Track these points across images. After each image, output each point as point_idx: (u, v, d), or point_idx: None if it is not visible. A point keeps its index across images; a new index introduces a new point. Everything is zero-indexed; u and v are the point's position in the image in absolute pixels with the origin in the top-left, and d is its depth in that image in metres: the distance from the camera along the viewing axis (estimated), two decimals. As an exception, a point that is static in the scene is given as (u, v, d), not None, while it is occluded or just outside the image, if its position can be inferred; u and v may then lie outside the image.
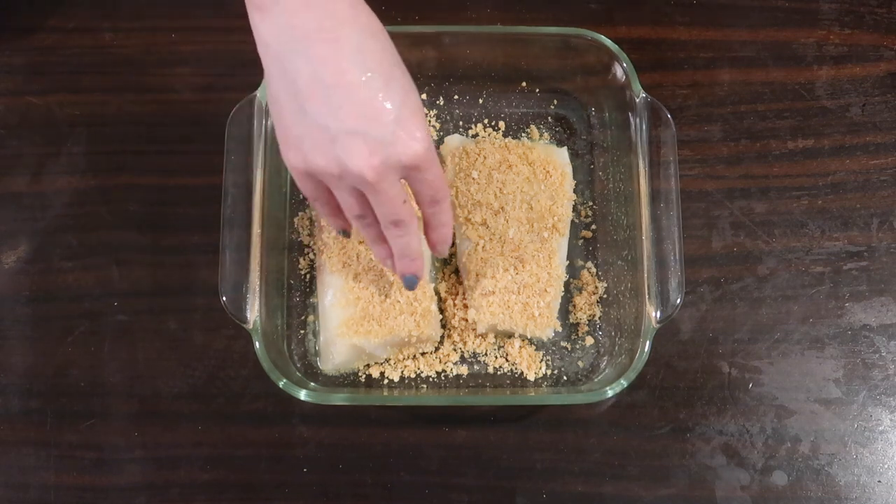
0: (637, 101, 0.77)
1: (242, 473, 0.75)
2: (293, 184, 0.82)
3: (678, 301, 0.71)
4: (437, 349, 0.77)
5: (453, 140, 0.82)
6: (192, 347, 0.78)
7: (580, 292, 0.79)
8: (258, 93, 0.76)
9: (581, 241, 0.81)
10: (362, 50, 0.57)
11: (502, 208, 0.78)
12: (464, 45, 0.82)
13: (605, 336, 0.78)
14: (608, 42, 0.79)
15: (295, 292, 0.79)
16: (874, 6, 0.90)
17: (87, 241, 0.81)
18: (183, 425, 0.76)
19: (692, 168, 0.84)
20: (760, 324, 0.79)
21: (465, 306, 0.77)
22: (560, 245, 0.78)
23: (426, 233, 0.67)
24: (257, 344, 0.70)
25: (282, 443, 0.76)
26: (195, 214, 0.81)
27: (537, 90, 0.85)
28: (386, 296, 0.74)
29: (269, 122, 0.76)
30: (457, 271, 0.79)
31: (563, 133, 0.85)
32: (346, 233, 0.69)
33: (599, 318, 0.79)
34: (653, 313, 0.71)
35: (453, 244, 0.79)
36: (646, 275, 0.72)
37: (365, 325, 0.73)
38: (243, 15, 0.91)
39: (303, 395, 0.70)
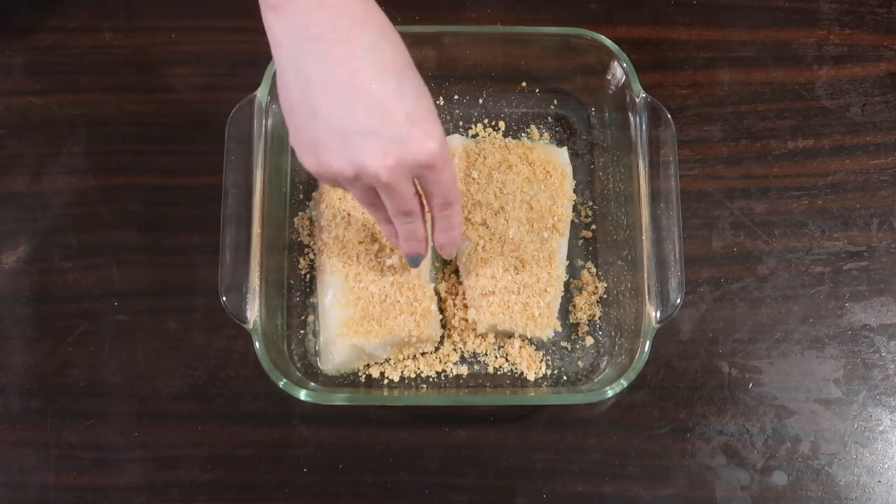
0: (637, 101, 0.77)
1: (242, 473, 0.75)
2: (293, 184, 0.82)
3: (678, 301, 0.71)
4: (437, 349, 0.77)
5: (453, 140, 0.82)
6: (192, 347, 0.78)
7: (580, 292, 0.79)
8: (258, 93, 0.76)
9: (581, 241, 0.81)
10: (375, 50, 0.58)
11: (502, 208, 0.78)
12: (464, 45, 0.82)
13: (605, 336, 0.78)
14: (608, 42, 0.79)
15: (295, 292, 0.79)
16: (874, 6, 0.90)
17: (87, 241, 0.81)
18: (183, 425, 0.76)
19: (692, 168, 0.84)
20: (760, 324, 0.79)
21: (465, 306, 0.77)
22: (560, 245, 0.78)
23: (434, 234, 0.67)
24: (257, 344, 0.70)
25: (282, 443, 0.76)
26: (195, 214, 0.81)
27: (537, 90, 0.85)
28: (386, 296, 0.74)
29: (268, 122, 0.76)
30: (457, 271, 0.79)
31: (563, 133, 0.85)
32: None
33: (599, 318, 0.79)
34: (653, 313, 0.71)
35: (454, 244, 0.80)
36: (646, 275, 0.72)
37: (365, 325, 0.73)
38: (243, 15, 0.91)
39: (303, 395, 0.70)
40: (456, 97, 0.85)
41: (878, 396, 0.78)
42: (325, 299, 0.76)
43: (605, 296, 0.79)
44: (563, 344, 0.78)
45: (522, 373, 0.77)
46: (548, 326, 0.75)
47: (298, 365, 0.76)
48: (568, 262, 0.79)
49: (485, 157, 0.80)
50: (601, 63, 0.81)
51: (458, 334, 0.77)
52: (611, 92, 0.82)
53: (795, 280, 0.81)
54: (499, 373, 0.77)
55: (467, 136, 0.84)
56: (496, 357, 0.77)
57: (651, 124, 0.76)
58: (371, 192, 0.62)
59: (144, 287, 0.79)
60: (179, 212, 0.82)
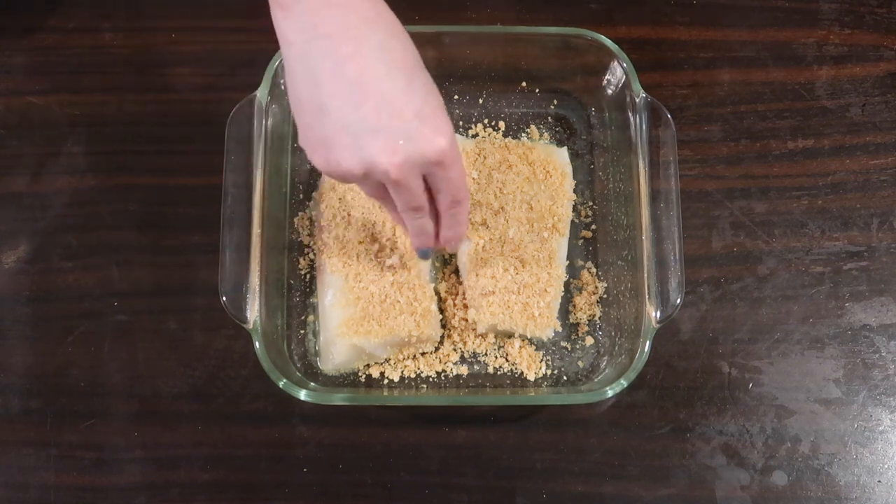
0: (637, 101, 0.77)
1: (242, 473, 0.75)
2: (293, 184, 0.82)
3: (678, 301, 0.71)
4: (437, 349, 0.77)
5: (453, 140, 0.82)
6: (192, 347, 0.78)
7: (580, 292, 0.79)
8: (258, 93, 0.76)
9: (581, 241, 0.81)
10: (384, 48, 0.58)
11: (502, 208, 0.78)
12: (464, 45, 0.82)
13: (605, 336, 0.78)
14: (608, 42, 0.79)
15: (295, 292, 0.79)
16: (874, 6, 0.90)
17: (87, 241, 0.81)
18: (183, 425, 0.76)
19: (692, 168, 0.84)
20: (760, 324, 0.79)
21: (465, 306, 0.77)
22: (560, 245, 0.78)
23: (441, 230, 0.67)
24: (257, 344, 0.70)
25: (282, 443, 0.76)
26: (195, 214, 0.81)
27: (537, 90, 0.85)
28: (386, 296, 0.74)
29: (268, 122, 0.76)
30: (457, 271, 0.79)
31: (563, 133, 0.85)
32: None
33: (599, 318, 0.79)
34: (653, 313, 0.71)
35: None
36: (646, 275, 0.72)
37: (365, 325, 0.73)
38: (243, 15, 0.91)
39: (303, 395, 0.70)
40: (456, 97, 0.85)
41: (878, 396, 0.78)
42: (325, 299, 0.76)
43: (605, 296, 0.79)
44: (563, 344, 0.78)
45: (522, 373, 0.77)
46: (548, 326, 0.75)
47: (298, 365, 0.76)
48: (568, 262, 0.79)
49: (485, 157, 0.80)
50: (601, 63, 0.81)
51: (458, 334, 0.77)
52: (611, 92, 0.82)
53: (795, 280, 0.81)
54: (499, 373, 0.77)
55: (467, 136, 0.84)
56: (496, 357, 0.77)
57: (651, 124, 0.76)
58: (381, 188, 0.62)
59: (144, 287, 0.79)
60: (179, 212, 0.82)
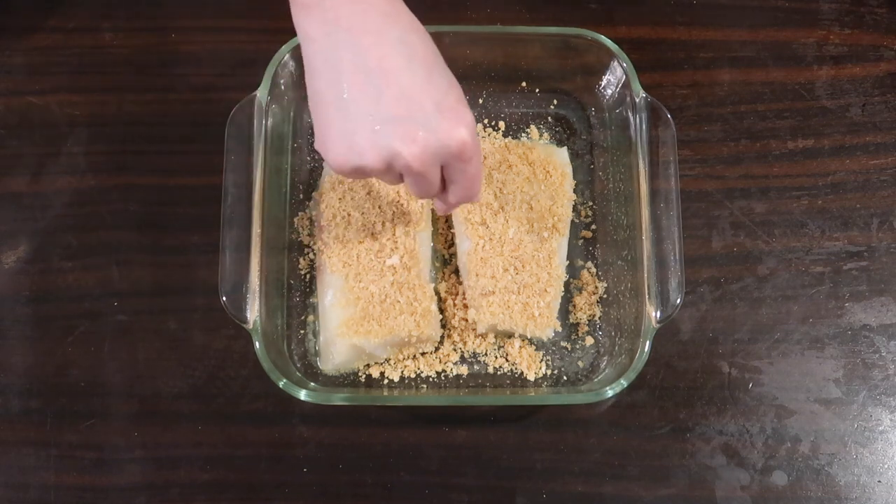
0: (637, 101, 0.77)
1: (242, 473, 0.75)
2: (293, 184, 0.82)
3: (678, 301, 0.71)
4: (437, 349, 0.77)
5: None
6: (192, 347, 0.78)
7: (580, 292, 0.79)
8: (258, 93, 0.76)
9: (581, 241, 0.81)
10: (404, 42, 0.59)
11: (502, 208, 0.78)
12: (464, 45, 0.82)
13: (605, 336, 0.78)
14: (608, 42, 0.79)
15: (295, 292, 0.79)
16: (874, 6, 0.90)
17: (87, 241, 0.81)
18: (183, 425, 0.76)
19: (692, 168, 0.84)
20: (760, 324, 0.79)
21: (465, 306, 0.77)
22: (560, 245, 0.78)
23: (438, 202, 0.67)
24: (257, 344, 0.70)
25: (282, 443, 0.76)
26: (195, 214, 0.81)
27: (537, 90, 0.85)
28: (386, 296, 0.74)
29: (268, 122, 0.76)
30: (457, 271, 0.79)
31: (563, 133, 0.85)
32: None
33: (599, 318, 0.79)
34: (653, 313, 0.71)
35: (453, 244, 0.80)
36: (646, 275, 0.72)
37: (365, 325, 0.73)
38: (243, 15, 0.91)
39: (303, 395, 0.70)
40: (456, 97, 0.85)
41: (878, 396, 0.78)
42: (325, 299, 0.76)
43: (605, 296, 0.79)
44: (563, 344, 0.78)
45: (522, 373, 0.77)
46: (548, 326, 0.75)
47: (298, 365, 0.76)
48: (568, 262, 0.79)
49: (485, 158, 0.80)
50: (601, 63, 0.81)
51: (458, 334, 0.77)
52: (611, 92, 0.82)
53: (795, 280, 0.81)
54: (499, 373, 0.77)
55: (467, 136, 0.84)
56: (496, 357, 0.77)
57: (651, 124, 0.76)
58: (397, 177, 0.62)
59: (144, 287, 0.79)
60: (179, 212, 0.82)
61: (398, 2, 0.61)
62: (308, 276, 0.80)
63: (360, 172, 0.61)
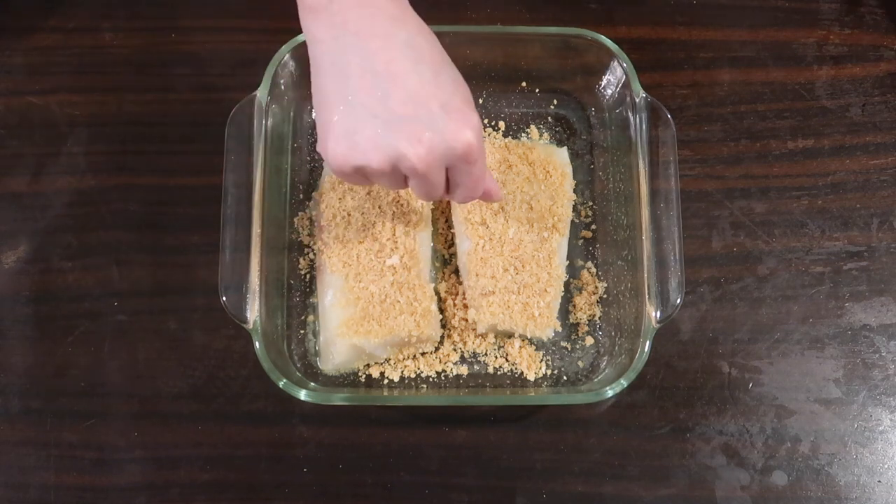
0: (637, 101, 0.77)
1: (242, 473, 0.75)
2: (293, 184, 0.82)
3: (678, 301, 0.71)
4: (437, 349, 0.77)
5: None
6: (192, 347, 0.78)
7: (580, 292, 0.79)
8: (258, 93, 0.76)
9: (581, 241, 0.81)
10: (411, 45, 0.59)
11: (502, 208, 0.78)
12: (464, 45, 0.81)
13: (605, 336, 0.78)
14: (608, 42, 0.79)
15: (295, 292, 0.79)
16: (874, 6, 0.90)
17: (87, 241, 0.81)
18: (183, 425, 0.76)
19: (692, 168, 0.84)
20: (760, 324, 0.79)
21: (465, 306, 0.77)
22: (560, 245, 0.78)
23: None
24: (257, 344, 0.70)
25: (282, 443, 0.76)
26: (195, 214, 0.81)
27: (537, 90, 0.85)
28: (386, 296, 0.74)
29: (268, 122, 0.76)
30: (457, 271, 0.79)
31: (563, 133, 0.85)
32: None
33: (599, 318, 0.79)
34: (653, 313, 0.71)
35: (453, 244, 0.80)
36: (646, 275, 0.72)
37: (365, 325, 0.73)
38: (243, 15, 0.91)
39: (303, 395, 0.70)
40: (456, 97, 0.85)
41: (878, 396, 0.78)
42: (325, 299, 0.76)
43: (605, 296, 0.79)
44: (563, 344, 0.78)
45: (522, 373, 0.77)
46: (548, 326, 0.75)
47: (298, 365, 0.76)
48: (568, 262, 0.79)
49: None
50: (601, 63, 0.81)
51: (458, 334, 0.77)
52: (611, 92, 0.82)
53: (795, 280, 0.81)
54: (499, 373, 0.77)
55: (467, 136, 0.84)
56: (496, 357, 0.77)
57: (651, 124, 0.76)
58: (402, 181, 0.62)
59: (144, 287, 0.79)
60: (179, 212, 0.82)
61: (405, 5, 0.62)
62: (308, 276, 0.80)
63: (361, 173, 0.61)
